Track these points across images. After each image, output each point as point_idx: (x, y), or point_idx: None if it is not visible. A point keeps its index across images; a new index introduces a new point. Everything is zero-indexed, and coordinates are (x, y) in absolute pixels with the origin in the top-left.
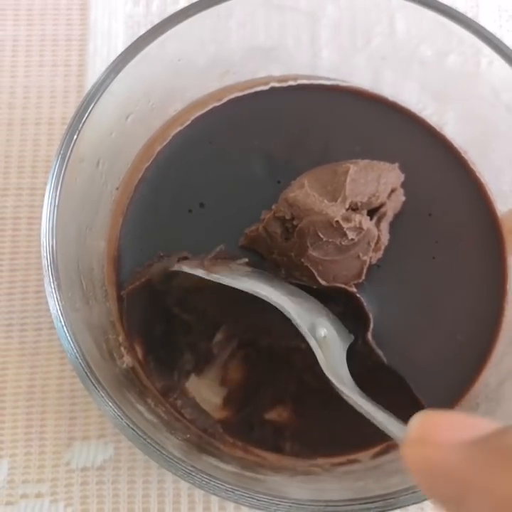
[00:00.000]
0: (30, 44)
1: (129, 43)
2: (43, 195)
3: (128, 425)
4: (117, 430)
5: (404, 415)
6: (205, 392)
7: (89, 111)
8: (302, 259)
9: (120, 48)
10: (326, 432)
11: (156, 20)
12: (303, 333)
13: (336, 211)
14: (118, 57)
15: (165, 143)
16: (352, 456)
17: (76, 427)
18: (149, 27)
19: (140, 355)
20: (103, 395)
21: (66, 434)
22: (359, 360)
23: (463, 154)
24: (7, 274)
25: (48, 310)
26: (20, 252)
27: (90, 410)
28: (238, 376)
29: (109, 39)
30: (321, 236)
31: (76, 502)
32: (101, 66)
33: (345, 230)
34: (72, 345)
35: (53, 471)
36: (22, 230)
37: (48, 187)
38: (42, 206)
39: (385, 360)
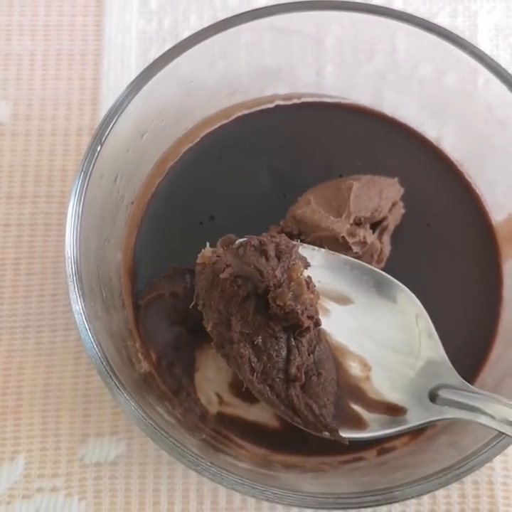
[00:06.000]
0: (47, 58)
1: (141, 58)
2: (59, 203)
3: (151, 425)
4: (132, 428)
5: None
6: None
7: (108, 131)
8: None
9: (133, 63)
10: None
11: (168, 37)
12: None
13: (342, 227)
14: (134, 79)
15: (176, 159)
16: (358, 454)
17: (90, 423)
18: (161, 43)
19: (154, 360)
20: (127, 396)
21: (80, 430)
22: None
23: (459, 167)
24: (24, 278)
25: (65, 312)
26: (37, 257)
27: (104, 408)
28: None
29: (122, 54)
30: None
31: (90, 496)
32: (115, 80)
33: (350, 244)
34: (97, 350)
35: (68, 466)
36: (38, 235)
37: (71, 202)
38: (58, 213)
39: None
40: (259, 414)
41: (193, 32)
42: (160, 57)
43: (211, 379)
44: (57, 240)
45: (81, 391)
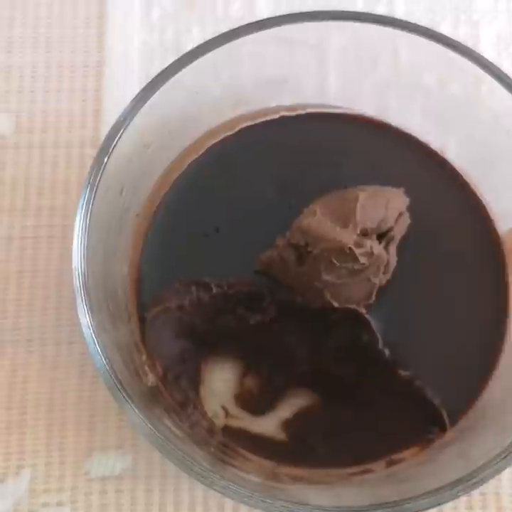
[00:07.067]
0: (49, 71)
1: (144, 70)
2: (62, 216)
3: (161, 439)
4: (137, 441)
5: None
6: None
7: (114, 143)
8: (315, 283)
9: (136, 74)
10: (338, 442)
11: (170, 48)
12: None
13: (348, 238)
14: (140, 92)
15: (181, 171)
16: (366, 466)
17: (95, 437)
18: (164, 54)
19: (161, 373)
20: (137, 411)
21: (85, 444)
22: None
23: (465, 177)
24: (27, 291)
25: (69, 326)
26: (40, 270)
27: (109, 421)
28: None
29: (125, 65)
30: (335, 262)
31: (95, 510)
32: (117, 91)
33: (357, 255)
34: (105, 363)
35: (73, 480)
36: (42, 248)
37: (78, 215)
38: (61, 226)
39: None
40: (265, 426)
41: (196, 43)
42: (166, 68)
43: (217, 392)
44: (60, 252)
45: (85, 405)
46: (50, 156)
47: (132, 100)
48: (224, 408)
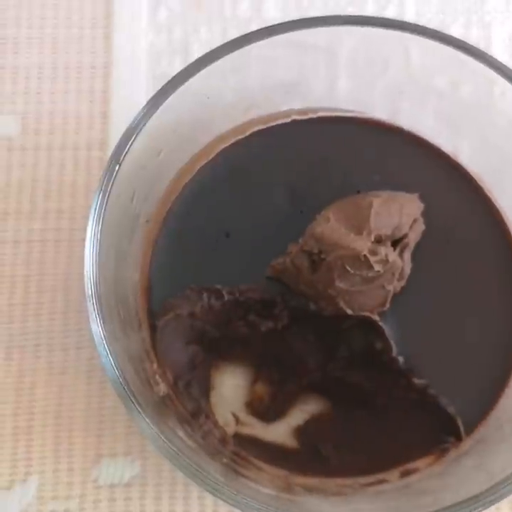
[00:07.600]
0: (56, 71)
1: (151, 71)
2: (69, 219)
3: (174, 451)
4: (146, 448)
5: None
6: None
7: (125, 151)
8: (329, 290)
9: (143, 75)
10: (351, 450)
11: (178, 47)
12: None
13: (363, 245)
14: (152, 98)
15: (192, 176)
16: (380, 476)
17: (103, 444)
18: (171, 54)
19: (172, 381)
20: (149, 421)
21: (94, 451)
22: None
23: (478, 181)
24: (34, 296)
25: (76, 331)
26: (48, 274)
27: (117, 428)
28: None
29: (132, 66)
30: (349, 269)
31: None
32: (125, 92)
33: (372, 263)
34: (118, 374)
35: (81, 487)
36: (49, 252)
37: (90, 222)
38: (68, 229)
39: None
40: (276, 433)
41: (203, 43)
42: (177, 75)
43: (227, 398)
44: (67, 256)
45: (94, 411)
46: (57, 158)
47: (143, 107)
48: (234, 415)
